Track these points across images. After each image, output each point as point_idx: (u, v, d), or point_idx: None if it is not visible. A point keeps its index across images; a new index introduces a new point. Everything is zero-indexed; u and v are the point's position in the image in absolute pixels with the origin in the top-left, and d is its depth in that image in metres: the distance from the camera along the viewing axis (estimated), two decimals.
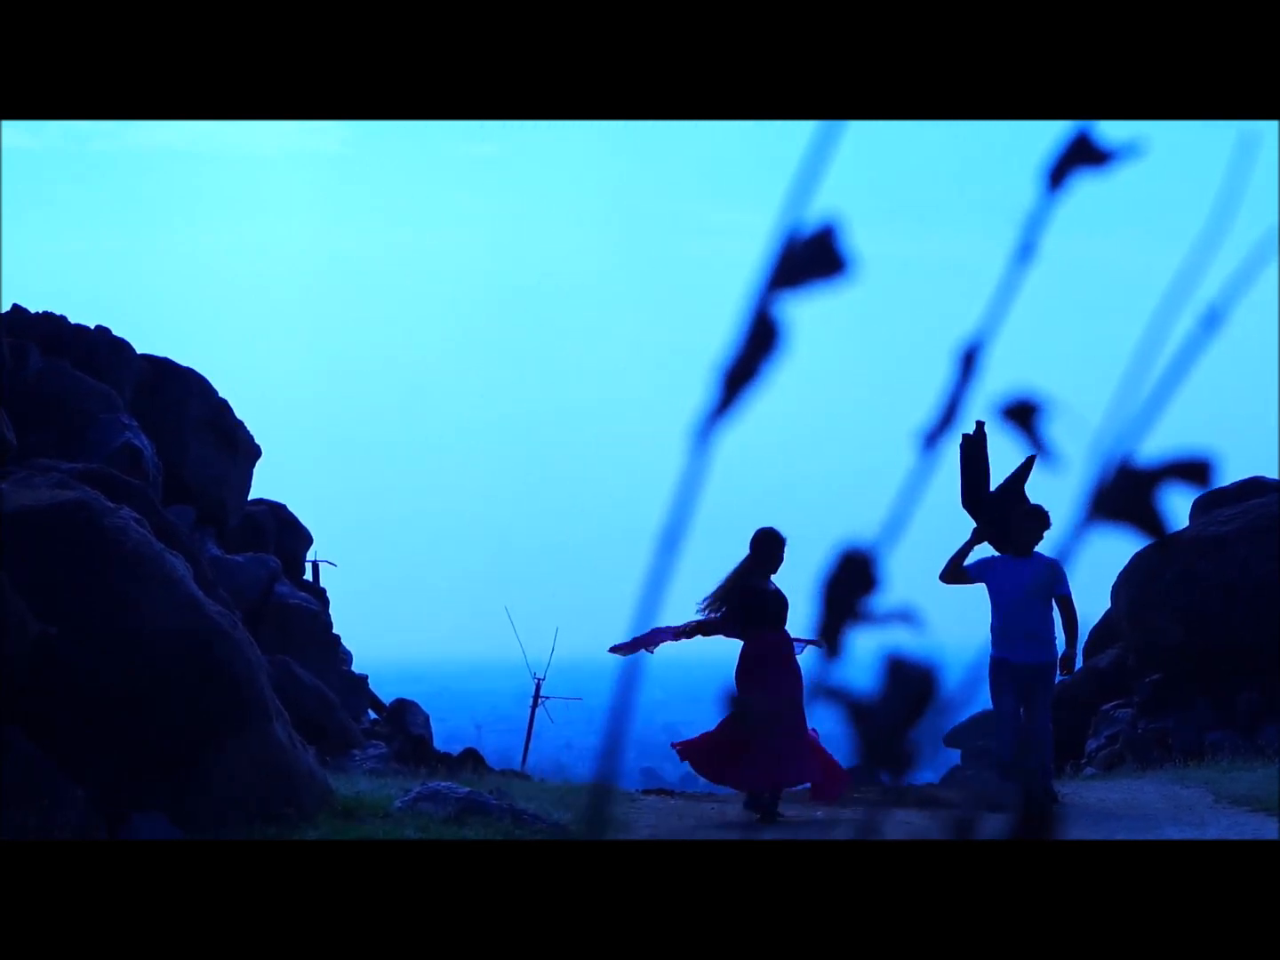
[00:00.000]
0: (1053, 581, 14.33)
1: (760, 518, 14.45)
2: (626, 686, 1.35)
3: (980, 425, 14.67)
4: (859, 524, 1.27)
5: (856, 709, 1.20)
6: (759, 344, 1.24)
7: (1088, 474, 1.23)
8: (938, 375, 1.27)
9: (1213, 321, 1.23)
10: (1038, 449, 1.28)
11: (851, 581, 1.21)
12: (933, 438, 1.26)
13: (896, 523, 1.24)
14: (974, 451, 14.59)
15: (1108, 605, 21.78)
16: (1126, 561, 21.04)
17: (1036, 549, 14.50)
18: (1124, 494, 1.20)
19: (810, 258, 1.24)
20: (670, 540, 1.29)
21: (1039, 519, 14.56)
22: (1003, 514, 14.47)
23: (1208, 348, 1.21)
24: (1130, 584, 20.69)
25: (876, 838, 1.45)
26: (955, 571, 14.41)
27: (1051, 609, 14.39)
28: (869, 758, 1.22)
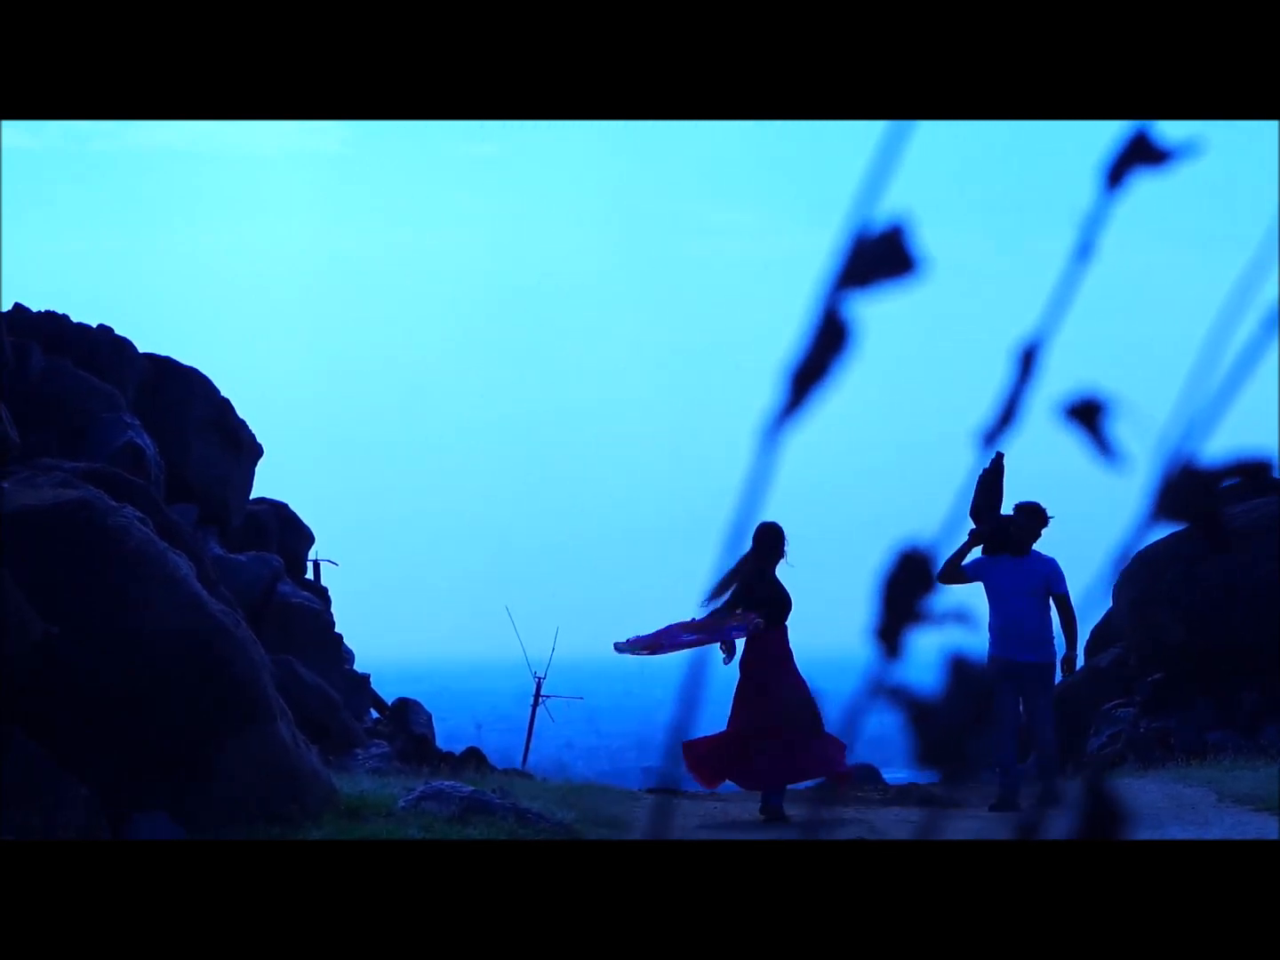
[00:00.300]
0: (1050, 580, 14.33)
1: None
2: (694, 682, 1.35)
3: (999, 456, 14.77)
4: (917, 523, 1.27)
5: (919, 709, 1.19)
6: (828, 343, 1.24)
7: (1151, 474, 1.23)
8: (998, 375, 1.26)
9: (1276, 322, 1.22)
10: (1102, 448, 1.28)
11: (910, 581, 1.21)
12: (992, 437, 1.25)
13: (955, 523, 1.23)
14: (990, 480, 14.64)
15: (1109, 604, 21.77)
16: (1128, 561, 21.03)
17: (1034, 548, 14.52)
18: (1187, 494, 1.20)
19: (880, 257, 1.24)
20: (738, 538, 1.28)
21: (1037, 517, 14.54)
22: (1002, 527, 14.51)
23: (1270, 348, 1.21)
24: (1131, 583, 20.68)
25: (937, 838, 1.44)
26: (953, 572, 14.39)
27: (1049, 608, 14.36)
28: (928, 759, 1.21)
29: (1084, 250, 1.27)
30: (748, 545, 14.27)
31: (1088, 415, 1.27)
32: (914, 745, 1.23)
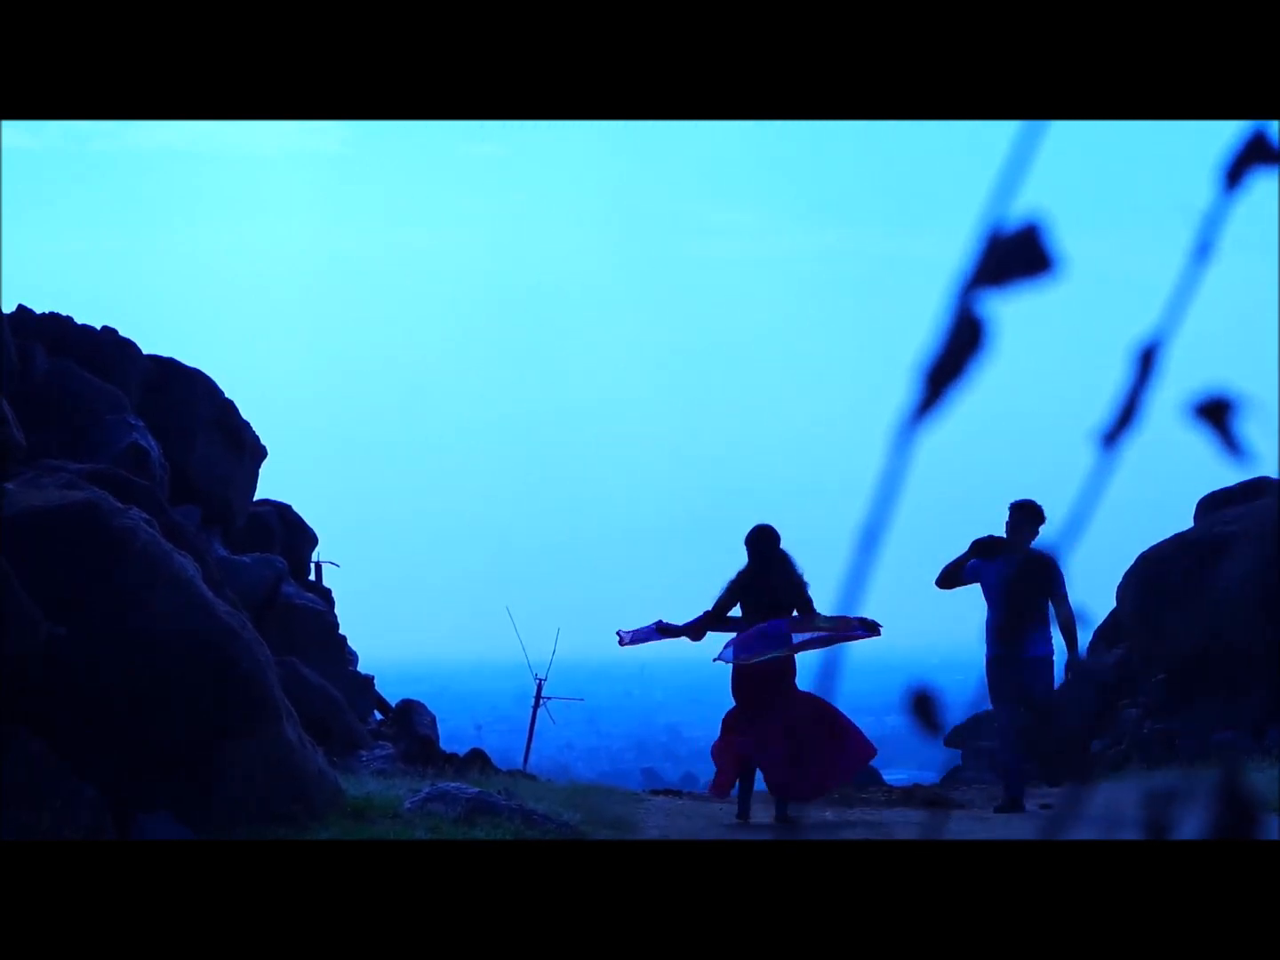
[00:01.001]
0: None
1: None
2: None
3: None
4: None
5: (1042, 710, 1.19)
6: (963, 343, 1.24)
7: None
8: (1117, 375, 1.26)
9: None
10: (1231, 447, 1.28)
11: (1032, 582, 1.20)
12: (1111, 438, 1.25)
13: (1076, 524, 1.23)
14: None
15: (1113, 605, 21.75)
16: (1132, 561, 21.01)
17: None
18: None
19: (1016, 256, 1.23)
20: (870, 539, 1.28)
21: (1034, 515, 14.51)
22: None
23: None
24: (1136, 584, 20.67)
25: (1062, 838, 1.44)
26: (952, 576, 14.35)
27: (1047, 605, 14.32)
28: (1049, 758, 1.22)
29: (1203, 250, 1.27)
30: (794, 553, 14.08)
31: (1216, 414, 1.27)
32: (1034, 744, 1.23)
